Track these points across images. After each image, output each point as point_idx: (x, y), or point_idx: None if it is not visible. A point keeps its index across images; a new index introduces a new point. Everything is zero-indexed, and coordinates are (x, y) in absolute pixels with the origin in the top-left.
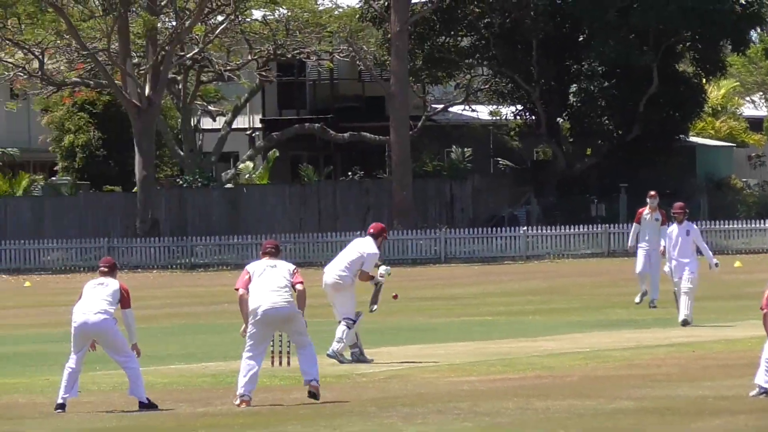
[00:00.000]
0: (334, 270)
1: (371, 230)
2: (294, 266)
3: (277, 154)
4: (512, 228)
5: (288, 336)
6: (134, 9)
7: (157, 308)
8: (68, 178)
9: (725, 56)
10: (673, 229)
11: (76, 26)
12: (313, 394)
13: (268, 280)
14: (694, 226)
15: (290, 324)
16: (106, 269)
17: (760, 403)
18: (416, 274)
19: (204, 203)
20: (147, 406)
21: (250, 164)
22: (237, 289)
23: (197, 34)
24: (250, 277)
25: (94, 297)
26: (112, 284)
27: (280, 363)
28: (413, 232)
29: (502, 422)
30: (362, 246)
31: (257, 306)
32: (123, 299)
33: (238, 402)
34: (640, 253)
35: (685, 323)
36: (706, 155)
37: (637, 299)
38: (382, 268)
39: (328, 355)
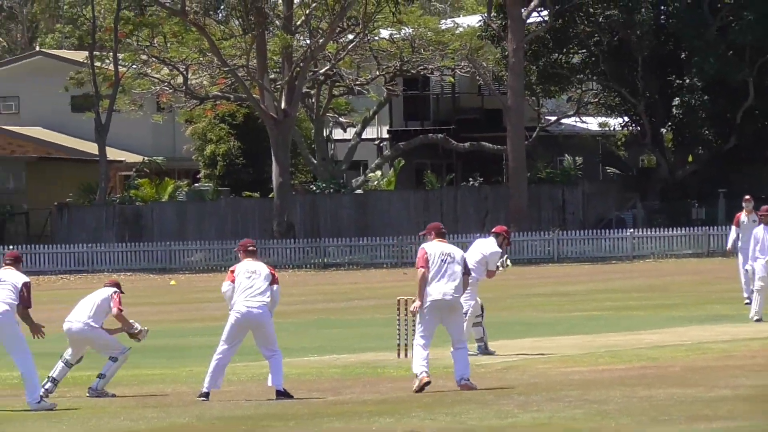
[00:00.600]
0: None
1: (495, 230)
2: (466, 256)
3: (403, 162)
4: (619, 230)
5: (447, 329)
6: (271, 29)
7: (291, 305)
8: (210, 184)
9: None
10: (759, 229)
11: (218, 44)
12: (468, 387)
13: (444, 271)
14: None
15: (453, 315)
16: (253, 248)
17: None
18: (530, 272)
19: (335, 207)
20: (283, 394)
21: (378, 172)
22: (419, 268)
23: (329, 52)
24: (427, 258)
25: (253, 289)
26: (262, 270)
27: (405, 355)
28: (528, 234)
29: (609, 409)
30: (484, 246)
31: (429, 294)
32: (273, 278)
33: (418, 382)
34: (741, 255)
35: (758, 321)
36: None
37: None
38: (501, 260)
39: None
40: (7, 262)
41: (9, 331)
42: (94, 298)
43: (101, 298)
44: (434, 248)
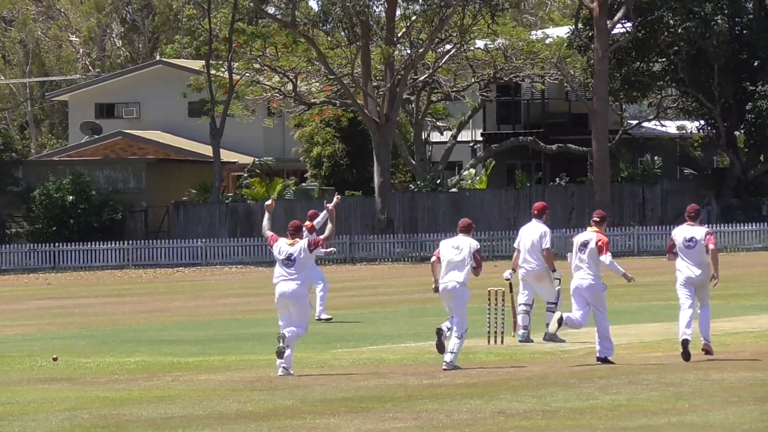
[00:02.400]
0: (532, 262)
1: (534, 211)
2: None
3: (495, 163)
4: None
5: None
6: (375, 40)
7: (390, 295)
8: (316, 183)
9: None
10: None
11: (325, 54)
12: (706, 352)
13: (691, 252)
14: None
15: (701, 289)
16: (596, 220)
17: None
18: None
19: (432, 205)
20: (605, 361)
21: (472, 171)
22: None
23: (428, 61)
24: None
25: (581, 262)
26: (592, 241)
27: (495, 341)
28: (610, 229)
29: (683, 392)
30: (537, 231)
31: (680, 269)
32: (601, 250)
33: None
34: None
35: None
36: None
37: None
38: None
39: (545, 340)
40: (291, 232)
41: (303, 303)
42: (460, 256)
43: (467, 253)
44: (680, 231)
